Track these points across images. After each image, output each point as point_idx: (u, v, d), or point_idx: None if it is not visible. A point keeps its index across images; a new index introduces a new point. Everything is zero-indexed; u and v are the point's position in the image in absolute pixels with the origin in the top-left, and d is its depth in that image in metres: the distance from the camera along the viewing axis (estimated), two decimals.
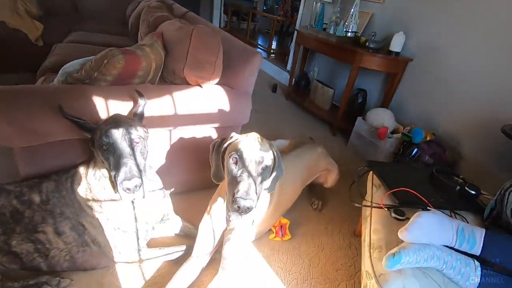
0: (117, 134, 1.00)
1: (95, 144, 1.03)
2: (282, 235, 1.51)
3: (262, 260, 1.40)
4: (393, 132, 2.29)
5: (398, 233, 0.90)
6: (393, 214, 1.09)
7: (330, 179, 1.72)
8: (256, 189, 0.93)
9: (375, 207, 1.17)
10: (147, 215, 1.21)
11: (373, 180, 1.35)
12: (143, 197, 1.02)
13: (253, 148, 0.99)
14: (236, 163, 0.97)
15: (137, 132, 1.04)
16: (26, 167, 1.22)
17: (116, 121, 1.03)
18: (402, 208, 1.11)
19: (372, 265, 0.94)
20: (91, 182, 1.12)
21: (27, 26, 2.83)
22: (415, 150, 2.08)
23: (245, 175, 0.93)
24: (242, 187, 0.90)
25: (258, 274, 1.33)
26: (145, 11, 2.23)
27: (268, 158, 0.99)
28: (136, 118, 1.11)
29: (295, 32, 3.42)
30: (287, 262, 1.42)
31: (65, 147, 1.22)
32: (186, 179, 1.64)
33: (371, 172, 1.43)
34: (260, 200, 1.11)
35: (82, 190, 1.14)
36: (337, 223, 1.71)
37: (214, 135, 1.57)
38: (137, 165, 1.00)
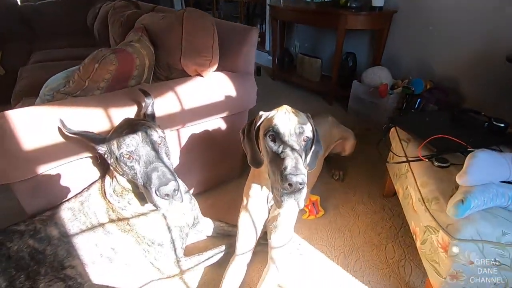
0: (137, 139, 0.89)
1: (113, 156, 0.92)
2: (316, 212, 1.45)
3: (304, 242, 1.34)
4: (392, 88, 2.26)
5: (457, 179, 0.85)
6: (436, 163, 1.05)
7: (348, 146, 1.66)
8: (303, 162, 0.85)
9: (413, 160, 1.12)
10: (179, 221, 1.11)
11: (399, 136, 1.30)
12: (182, 201, 0.92)
13: (290, 120, 0.89)
14: (274, 140, 0.88)
15: (157, 133, 0.93)
16: (31, 202, 1.08)
17: (130, 125, 0.91)
18: (442, 155, 1.07)
19: (434, 218, 0.89)
20: (112, 200, 1.01)
21: None
22: (419, 100, 2.06)
23: (288, 149, 0.84)
24: (289, 163, 0.80)
25: (305, 257, 1.28)
26: (112, 13, 2.05)
27: (308, 129, 0.91)
28: (149, 119, 0.99)
29: (268, 8, 3.30)
30: (328, 238, 1.37)
31: (71, 170, 1.09)
32: (202, 178, 1.54)
33: (393, 130, 1.39)
34: None
35: (103, 211, 1.03)
36: (363, 189, 1.67)
37: (223, 126, 1.47)
38: (168, 168, 0.89)
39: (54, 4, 3.30)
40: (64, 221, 1.01)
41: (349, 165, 1.84)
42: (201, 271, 1.21)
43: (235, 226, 1.20)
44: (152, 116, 1.03)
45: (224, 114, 1.39)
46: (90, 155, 1.06)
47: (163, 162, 0.88)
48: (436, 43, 2.18)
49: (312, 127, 0.95)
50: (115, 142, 0.89)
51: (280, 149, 0.86)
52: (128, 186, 0.98)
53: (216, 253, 1.20)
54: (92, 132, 0.94)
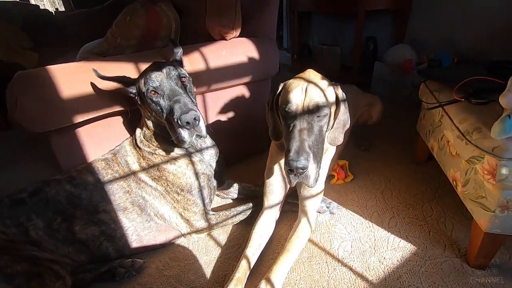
0: (162, 75, 0.93)
1: (141, 95, 0.95)
2: (345, 176, 1.40)
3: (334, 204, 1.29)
4: (417, 65, 2.20)
5: (500, 99, 0.79)
6: (474, 101, 0.99)
7: (375, 111, 1.61)
8: (310, 143, 0.82)
9: (448, 103, 1.07)
10: (207, 170, 1.11)
11: (430, 88, 1.25)
12: (205, 135, 0.94)
13: (304, 95, 0.86)
14: (286, 118, 0.87)
15: (181, 71, 0.97)
16: (67, 157, 1.13)
17: (156, 64, 0.96)
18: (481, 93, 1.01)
19: (476, 146, 0.84)
20: (142, 146, 1.04)
21: (23, 58, 2.80)
22: None
23: (296, 129, 0.83)
24: (293, 145, 0.80)
25: (336, 216, 1.23)
26: None
27: (325, 103, 0.87)
28: (176, 64, 1.02)
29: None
30: (359, 200, 1.31)
31: (103, 129, 1.14)
32: (227, 148, 1.53)
33: (422, 87, 1.34)
34: (326, 152, 1.02)
35: (134, 160, 1.05)
36: (393, 157, 1.60)
37: (247, 94, 1.49)
38: (191, 101, 0.92)
39: (84, 13, 3.56)
40: (98, 170, 1.04)
41: (374, 136, 1.78)
42: (229, 228, 1.20)
43: (262, 186, 1.19)
44: (180, 62, 1.06)
45: (247, 79, 1.41)
46: (121, 108, 1.10)
47: (187, 95, 0.91)
48: (461, 17, 2.11)
49: (339, 96, 0.91)
50: (142, 80, 0.93)
51: (291, 127, 0.85)
52: (156, 128, 1.01)
53: (244, 210, 1.19)
54: (123, 76, 0.98)
